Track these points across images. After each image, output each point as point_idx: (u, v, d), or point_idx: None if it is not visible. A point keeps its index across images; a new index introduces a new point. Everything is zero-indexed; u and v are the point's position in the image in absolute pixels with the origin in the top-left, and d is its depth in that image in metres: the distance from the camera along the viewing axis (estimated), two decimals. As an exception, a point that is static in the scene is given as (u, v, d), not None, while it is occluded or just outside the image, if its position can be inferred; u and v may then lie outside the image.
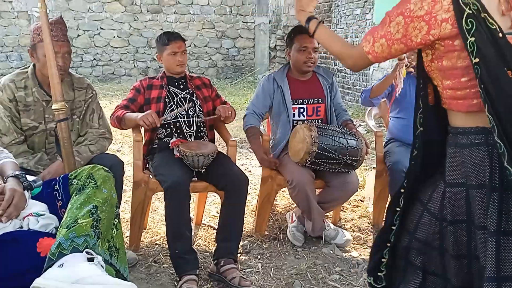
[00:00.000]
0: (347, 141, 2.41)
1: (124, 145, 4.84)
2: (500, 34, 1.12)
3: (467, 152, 1.21)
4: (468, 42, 1.11)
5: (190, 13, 10.32)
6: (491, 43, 1.11)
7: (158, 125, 2.36)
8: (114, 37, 10.03)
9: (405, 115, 2.70)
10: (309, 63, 2.63)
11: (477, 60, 1.11)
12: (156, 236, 2.70)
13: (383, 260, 1.46)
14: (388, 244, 1.46)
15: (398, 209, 1.43)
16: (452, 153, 1.26)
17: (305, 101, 2.68)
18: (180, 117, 2.51)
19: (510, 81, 1.11)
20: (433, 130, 1.35)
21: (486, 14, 1.12)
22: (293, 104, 2.66)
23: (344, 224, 2.94)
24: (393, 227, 1.44)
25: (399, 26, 1.20)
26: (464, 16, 1.11)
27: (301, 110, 2.67)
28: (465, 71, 1.18)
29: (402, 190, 1.42)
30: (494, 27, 1.11)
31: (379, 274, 1.47)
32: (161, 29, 9.91)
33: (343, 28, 7.93)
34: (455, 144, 1.26)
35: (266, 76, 2.77)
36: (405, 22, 1.19)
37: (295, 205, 2.81)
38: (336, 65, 8.23)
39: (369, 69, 7.06)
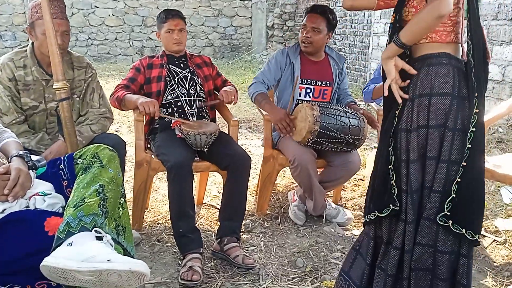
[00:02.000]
0: (349, 120, 2.41)
1: (123, 125, 4.82)
2: None
3: (435, 67, 1.51)
4: None
5: (186, -10, 10.16)
6: None
7: (156, 118, 2.34)
8: (109, 15, 9.88)
9: None
10: (306, 42, 2.60)
11: None
12: (159, 215, 2.71)
13: (391, 182, 1.55)
14: (390, 167, 1.56)
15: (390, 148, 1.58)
16: (424, 72, 1.52)
17: (313, 82, 2.67)
18: (182, 97, 2.49)
19: (478, 18, 1.53)
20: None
21: None
22: (301, 83, 2.64)
23: (345, 203, 2.97)
24: (389, 148, 1.58)
25: None
26: None
27: (308, 90, 2.66)
28: (456, 6, 1.51)
29: (397, 112, 1.59)
30: None
31: (393, 196, 1.54)
32: (157, 8, 9.77)
33: (342, 6, 7.83)
34: (426, 65, 1.52)
35: (281, 50, 2.74)
36: None
37: (296, 184, 2.82)
38: (334, 44, 8.16)
39: (368, 48, 7.01)
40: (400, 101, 1.55)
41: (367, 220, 1.64)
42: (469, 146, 1.46)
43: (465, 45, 1.54)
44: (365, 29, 7.10)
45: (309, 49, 2.63)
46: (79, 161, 1.61)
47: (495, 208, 2.84)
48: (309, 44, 2.61)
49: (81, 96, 2.31)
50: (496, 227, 2.59)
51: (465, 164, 1.46)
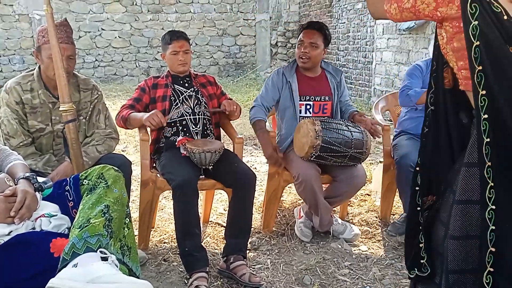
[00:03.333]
0: (352, 134, 2.41)
1: (129, 145, 4.86)
2: (505, 17, 1.15)
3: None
4: (471, 25, 1.15)
5: (190, 11, 10.32)
6: (495, 25, 1.14)
7: (164, 124, 2.37)
8: (116, 37, 10.04)
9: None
10: (304, 58, 2.63)
11: (478, 43, 1.15)
12: (165, 234, 2.71)
13: (420, 245, 1.43)
14: (420, 227, 1.44)
15: (417, 188, 1.45)
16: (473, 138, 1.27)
17: (312, 98, 2.68)
18: (186, 115, 2.52)
19: (506, 68, 1.16)
20: (446, 111, 1.39)
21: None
22: (300, 100, 2.66)
23: (351, 219, 2.95)
24: (418, 208, 1.45)
25: None
26: (469, 1, 1.14)
27: (308, 106, 2.68)
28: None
29: (418, 168, 1.46)
30: (499, 10, 1.15)
31: (422, 261, 1.43)
32: (162, 29, 9.92)
33: (344, 22, 7.92)
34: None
35: (276, 70, 2.77)
36: None
37: (302, 200, 2.81)
38: (338, 60, 8.22)
39: (371, 63, 7.04)
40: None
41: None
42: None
43: None
44: (368, 44, 7.15)
45: (307, 65, 2.66)
46: (85, 182, 1.62)
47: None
48: (307, 59, 2.63)
49: (87, 117, 2.34)
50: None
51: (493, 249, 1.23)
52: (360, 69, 7.48)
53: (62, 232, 1.53)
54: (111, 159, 2.17)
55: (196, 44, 10.31)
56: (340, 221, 2.73)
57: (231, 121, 2.72)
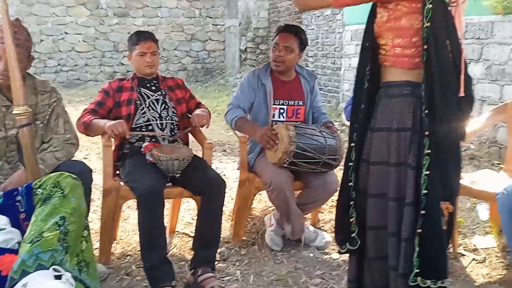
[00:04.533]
0: (326, 140, 2.37)
1: (91, 152, 4.67)
2: (450, 5, 1.34)
3: (395, 101, 1.42)
4: (425, 7, 1.29)
5: (158, 16, 10.17)
6: (442, 12, 1.32)
7: (128, 137, 2.25)
8: (79, 41, 9.76)
9: None
10: (277, 61, 2.58)
11: (428, 24, 1.30)
12: (128, 247, 2.57)
13: (351, 219, 1.49)
14: (351, 203, 1.50)
15: (350, 164, 1.52)
16: (383, 103, 1.45)
17: (285, 102, 2.63)
18: (153, 120, 2.40)
19: (447, 49, 1.35)
20: (377, 86, 1.51)
21: None
22: (274, 104, 2.60)
23: (323, 225, 2.90)
24: (350, 183, 1.50)
25: None
26: None
27: (281, 111, 2.62)
28: (417, 32, 1.36)
29: (353, 144, 1.52)
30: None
31: (352, 234, 1.48)
32: (128, 33, 9.60)
33: (313, 29, 7.97)
34: (386, 96, 1.45)
35: (251, 72, 2.70)
36: None
37: (273, 208, 2.74)
38: (307, 66, 8.26)
39: (340, 69, 7.10)
40: None
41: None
42: (425, 191, 1.36)
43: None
44: (337, 51, 7.21)
45: (280, 68, 2.60)
46: (39, 191, 1.49)
47: (472, 225, 2.82)
48: (281, 63, 2.58)
49: (45, 122, 2.19)
50: (474, 245, 2.57)
51: (423, 212, 1.36)
52: (329, 75, 7.54)
53: (11, 247, 1.40)
54: (69, 167, 2.02)
55: (164, 49, 10.15)
56: (311, 228, 2.67)
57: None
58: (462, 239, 2.62)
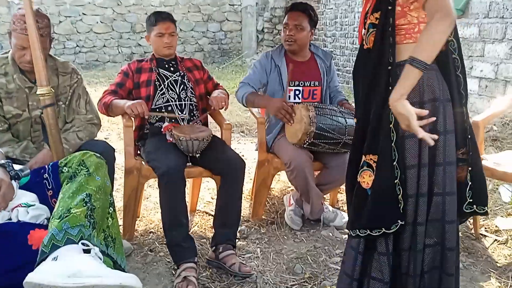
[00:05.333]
0: (346, 120, 2.35)
1: (112, 133, 4.73)
2: None
3: (422, 75, 1.36)
4: None
5: (175, -4, 10.08)
6: None
7: (146, 117, 2.27)
8: (97, 22, 9.76)
9: None
10: (289, 41, 2.55)
11: None
12: (150, 224, 2.63)
13: (399, 196, 1.45)
14: (396, 181, 1.45)
15: (392, 143, 1.47)
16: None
17: (301, 83, 2.60)
18: (172, 101, 2.42)
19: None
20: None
21: None
22: (289, 85, 2.58)
23: (342, 206, 2.90)
24: (394, 163, 1.45)
25: None
26: None
27: (297, 92, 2.60)
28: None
29: (391, 126, 1.46)
30: None
31: (401, 209, 1.46)
32: (145, 14, 9.67)
33: (332, 8, 7.82)
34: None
35: (264, 53, 2.68)
36: None
37: (291, 188, 2.75)
38: (325, 46, 8.14)
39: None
40: (431, 143, 1.35)
41: (358, 234, 1.53)
42: (469, 136, 1.52)
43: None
44: (356, 30, 7.08)
45: (293, 47, 2.57)
46: (65, 170, 1.53)
47: (494, 207, 2.79)
48: (293, 42, 2.55)
49: (67, 102, 2.23)
50: (496, 226, 2.54)
51: (470, 154, 1.52)
52: (348, 56, 7.42)
53: (41, 223, 1.44)
54: (92, 146, 2.06)
55: (181, 29, 10.10)
56: (330, 208, 2.67)
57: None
58: (483, 220, 2.60)
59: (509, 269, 2.13)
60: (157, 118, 2.40)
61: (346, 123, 2.34)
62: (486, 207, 1.56)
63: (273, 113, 2.43)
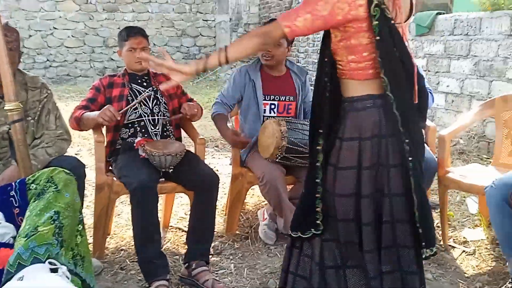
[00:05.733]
0: (317, 136, 2.38)
1: (83, 148, 4.64)
2: (392, 22, 1.48)
3: (363, 113, 1.54)
4: (373, 24, 1.43)
5: (148, 11, 10.09)
6: (388, 26, 1.45)
7: (118, 118, 2.24)
8: (69, 37, 9.66)
9: None
10: (267, 56, 2.59)
11: (378, 38, 1.44)
12: (122, 241, 2.58)
13: (317, 209, 1.61)
14: (317, 195, 1.61)
15: (317, 163, 1.61)
16: (351, 116, 1.56)
17: (276, 98, 2.64)
18: (145, 116, 2.40)
19: (396, 57, 1.49)
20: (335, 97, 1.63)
21: (384, 6, 1.44)
22: (264, 99, 2.61)
23: (315, 220, 2.92)
24: (317, 180, 1.60)
25: (327, 5, 1.42)
26: (373, 5, 1.42)
27: (272, 106, 2.64)
28: (366, 47, 1.49)
29: (319, 147, 1.61)
30: (390, 16, 1.47)
31: (317, 221, 1.62)
32: (118, 28, 9.61)
33: (303, 25, 7.97)
34: (352, 110, 1.56)
35: (238, 69, 2.71)
36: (333, 2, 1.42)
37: (265, 202, 2.76)
38: (298, 62, 8.27)
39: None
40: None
41: (294, 236, 1.70)
42: (414, 184, 1.53)
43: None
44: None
45: (271, 62, 2.62)
46: (32, 186, 1.49)
47: (462, 218, 2.87)
48: (270, 57, 2.59)
49: (36, 118, 2.18)
50: (464, 237, 2.61)
51: (414, 196, 1.53)
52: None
53: (7, 241, 1.39)
54: (62, 162, 2.02)
55: (154, 44, 10.08)
56: (304, 222, 2.69)
57: (192, 122, 2.62)
58: (452, 231, 2.67)
59: (477, 280, 2.19)
60: (131, 109, 2.36)
61: (318, 137, 2.38)
62: (434, 248, 1.58)
63: (231, 144, 2.56)
